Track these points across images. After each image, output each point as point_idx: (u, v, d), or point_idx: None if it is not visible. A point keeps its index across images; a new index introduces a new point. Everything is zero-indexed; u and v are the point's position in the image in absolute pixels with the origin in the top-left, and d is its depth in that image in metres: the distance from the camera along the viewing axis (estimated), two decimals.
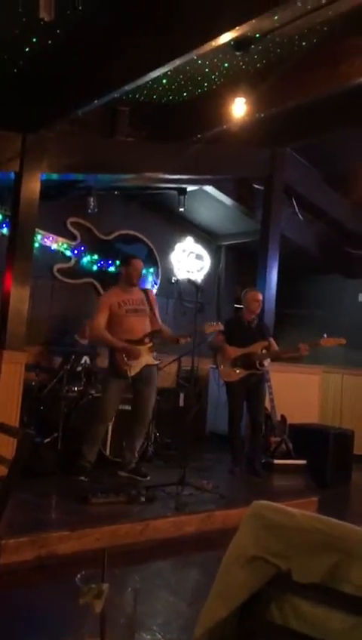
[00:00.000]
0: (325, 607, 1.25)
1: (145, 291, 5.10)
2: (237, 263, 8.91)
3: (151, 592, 3.08)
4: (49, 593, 2.97)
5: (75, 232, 7.16)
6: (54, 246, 6.98)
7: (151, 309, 4.98)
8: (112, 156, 6.01)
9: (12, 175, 5.29)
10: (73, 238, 7.14)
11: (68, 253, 7.10)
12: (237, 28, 3.68)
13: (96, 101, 4.74)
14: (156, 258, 7.85)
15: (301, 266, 8.40)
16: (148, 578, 3.25)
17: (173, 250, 8.09)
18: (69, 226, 7.09)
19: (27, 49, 4.75)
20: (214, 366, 7.84)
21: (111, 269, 7.45)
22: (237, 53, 4.76)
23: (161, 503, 4.21)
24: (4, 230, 6.28)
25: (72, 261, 7.13)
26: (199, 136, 5.85)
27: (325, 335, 5.29)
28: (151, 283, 7.71)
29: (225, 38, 3.81)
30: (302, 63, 4.86)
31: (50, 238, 6.93)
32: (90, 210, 6.79)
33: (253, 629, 1.32)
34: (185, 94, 5.70)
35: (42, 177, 5.35)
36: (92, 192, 6.71)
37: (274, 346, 5.57)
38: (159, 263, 7.91)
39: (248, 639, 1.34)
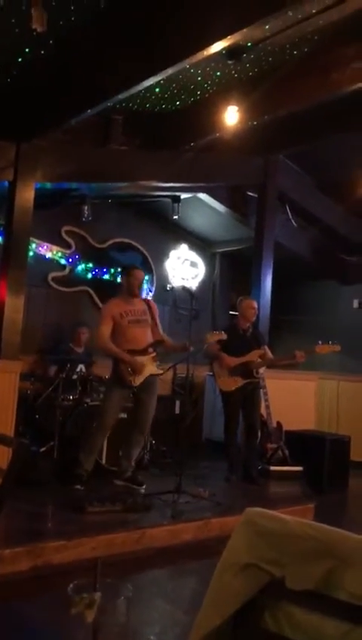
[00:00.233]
0: (319, 615, 1.24)
1: (147, 302, 5.10)
2: (232, 270, 8.93)
3: (148, 600, 3.06)
4: (45, 604, 2.95)
5: (70, 240, 7.16)
6: (49, 254, 6.98)
7: (153, 319, 4.98)
8: (106, 165, 6.03)
9: (6, 184, 5.30)
10: (68, 246, 7.15)
11: (62, 261, 7.10)
12: (228, 37, 3.71)
13: (89, 110, 4.77)
14: (151, 266, 7.86)
15: (295, 273, 8.42)
16: (144, 586, 3.23)
17: (167, 257, 8.11)
18: (63, 234, 7.10)
19: (20, 59, 4.78)
20: (211, 373, 7.87)
21: (106, 277, 7.46)
22: (230, 62, 4.79)
23: (158, 512, 4.19)
24: None
25: (67, 269, 7.13)
26: (192, 144, 5.89)
27: (320, 342, 5.29)
28: (146, 291, 7.71)
29: (217, 47, 3.84)
30: (293, 72, 4.90)
31: (45, 247, 6.93)
32: (84, 219, 6.81)
33: (247, 637, 1.31)
34: (178, 103, 5.73)
35: (36, 186, 5.37)
36: (86, 201, 6.74)
37: (269, 354, 5.57)
38: (154, 271, 7.92)
39: None
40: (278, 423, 5.85)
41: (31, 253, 6.16)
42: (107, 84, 4.53)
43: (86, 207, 6.74)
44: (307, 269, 8.56)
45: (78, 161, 5.85)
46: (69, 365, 5.90)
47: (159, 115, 5.95)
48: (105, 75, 4.50)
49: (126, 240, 7.69)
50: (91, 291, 7.32)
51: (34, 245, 6.64)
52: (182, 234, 8.31)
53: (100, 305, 7.27)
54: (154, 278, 7.93)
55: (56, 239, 7.05)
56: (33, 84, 5.04)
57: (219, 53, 4.28)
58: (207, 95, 5.53)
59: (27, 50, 4.66)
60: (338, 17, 4.33)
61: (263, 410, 5.70)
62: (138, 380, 4.71)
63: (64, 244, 7.12)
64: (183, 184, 6.61)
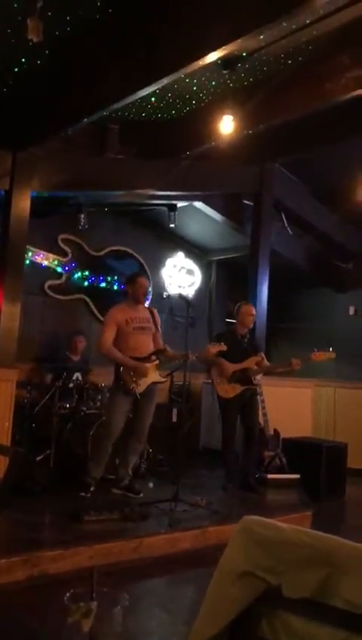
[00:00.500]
0: (315, 622, 1.24)
1: (150, 310, 5.10)
2: (228, 277, 8.95)
3: (146, 609, 3.05)
4: (41, 613, 2.93)
5: (66, 248, 7.18)
6: (45, 263, 6.99)
7: (156, 327, 4.99)
8: (102, 173, 6.06)
9: (2, 193, 5.32)
10: (64, 254, 7.16)
11: (59, 269, 7.11)
12: (223, 47, 3.74)
13: (85, 119, 4.79)
14: (147, 274, 7.88)
15: (291, 280, 8.45)
16: (142, 596, 3.22)
17: (164, 265, 8.13)
18: (59, 242, 7.11)
19: (16, 69, 4.80)
20: (208, 381, 7.86)
21: (103, 285, 7.47)
22: (225, 72, 4.83)
23: (155, 520, 4.17)
24: None
25: (63, 277, 7.14)
26: (188, 153, 5.91)
27: (316, 349, 5.30)
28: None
29: (213, 57, 3.87)
30: (288, 81, 4.93)
31: (41, 255, 6.94)
32: (80, 227, 6.83)
33: None
34: (173, 112, 5.77)
35: (32, 195, 5.38)
36: (82, 209, 6.76)
37: (265, 361, 5.57)
38: (150, 279, 7.93)
39: None
40: (275, 431, 5.85)
41: (27, 262, 6.17)
42: (103, 93, 4.56)
43: (82, 216, 6.76)
44: (303, 277, 8.58)
45: (74, 169, 5.88)
46: (65, 373, 5.90)
47: (155, 124, 5.98)
48: (101, 84, 4.53)
49: (122, 248, 7.71)
50: (88, 299, 7.33)
51: (30, 253, 6.65)
52: (179, 242, 8.33)
53: (97, 313, 7.29)
54: (151, 286, 7.94)
55: (52, 247, 7.06)
56: (29, 93, 5.06)
57: (214, 63, 4.32)
58: (202, 104, 5.57)
59: (23, 60, 4.68)
60: (331, 28, 4.37)
61: (260, 418, 5.70)
62: (141, 388, 4.70)
63: (60, 252, 7.13)
64: (179, 192, 6.63)
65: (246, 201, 7.30)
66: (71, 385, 5.90)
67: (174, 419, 6.85)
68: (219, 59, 4.07)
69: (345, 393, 7.70)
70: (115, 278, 7.63)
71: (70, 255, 7.20)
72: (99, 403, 5.74)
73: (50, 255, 7.03)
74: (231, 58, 4.54)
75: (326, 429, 7.55)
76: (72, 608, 1.29)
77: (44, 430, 5.57)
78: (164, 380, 5.00)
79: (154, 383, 4.84)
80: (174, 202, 7.05)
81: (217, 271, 8.95)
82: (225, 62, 4.59)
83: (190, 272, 8.38)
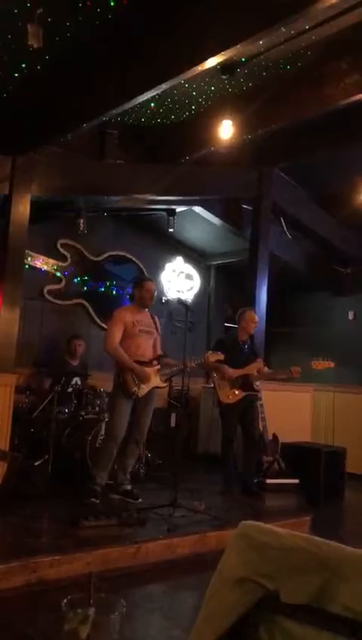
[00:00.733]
0: (314, 629, 1.23)
1: (153, 316, 5.08)
2: (227, 282, 8.96)
3: (145, 616, 3.03)
4: (39, 619, 2.92)
5: (65, 253, 7.18)
6: (44, 267, 6.99)
7: (157, 333, 4.99)
8: (102, 178, 6.07)
9: (1, 196, 5.33)
10: (63, 259, 7.16)
11: (58, 274, 7.11)
12: (222, 53, 3.77)
13: (85, 124, 4.81)
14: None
15: (290, 285, 8.46)
16: (141, 602, 3.20)
17: (163, 270, 8.13)
18: (59, 247, 7.11)
19: (16, 74, 4.82)
20: (208, 385, 7.86)
21: (102, 289, 7.47)
22: (224, 77, 4.85)
23: (153, 526, 4.15)
24: None
25: (63, 282, 7.14)
26: (187, 157, 5.93)
27: (315, 358, 5.31)
28: None
29: (211, 62, 3.89)
30: (287, 86, 4.96)
31: (41, 260, 6.94)
32: (80, 232, 6.83)
33: None
34: (173, 117, 5.79)
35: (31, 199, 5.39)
36: (82, 214, 6.76)
37: (265, 368, 5.56)
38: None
39: None
40: (274, 435, 5.84)
41: (26, 266, 6.17)
42: (102, 99, 4.58)
43: (81, 220, 6.77)
44: (302, 281, 8.59)
45: (73, 174, 5.89)
46: (64, 378, 5.89)
47: (154, 130, 6.00)
48: (101, 90, 4.55)
49: (121, 253, 7.72)
50: (87, 304, 7.33)
51: (30, 258, 6.65)
52: (178, 246, 8.35)
53: (96, 318, 7.29)
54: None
55: (51, 252, 7.06)
56: (29, 98, 5.08)
57: (213, 69, 4.34)
58: (201, 109, 5.59)
59: (23, 65, 4.70)
60: (330, 33, 4.39)
61: (259, 423, 5.69)
62: (142, 392, 4.69)
63: (60, 257, 7.13)
64: (178, 197, 6.65)
65: (245, 206, 7.31)
66: (70, 390, 5.90)
67: (173, 424, 6.84)
68: (218, 64, 4.09)
69: (344, 398, 7.70)
70: (114, 282, 7.63)
71: (69, 260, 7.20)
72: (97, 408, 5.73)
73: (50, 260, 7.03)
74: (230, 63, 4.57)
75: (325, 433, 7.54)
76: (70, 615, 1.28)
77: (43, 435, 5.56)
78: (164, 385, 4.99)
79: (155, 388, 4.83)
80: (173, 207, 7.07)
81: (216, 275, 8.96)
82: (224, 67, 4.61)
83: (189, 276, 8.38)
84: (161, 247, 8.13)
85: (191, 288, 8.41)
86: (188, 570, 3.79)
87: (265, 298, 6.72)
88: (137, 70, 4.29)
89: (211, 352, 5.11)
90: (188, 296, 8.23)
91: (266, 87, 5.02)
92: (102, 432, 5.23)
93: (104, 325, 7.03)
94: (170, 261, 8.22)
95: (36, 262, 6.88)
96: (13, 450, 5.05)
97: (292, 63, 4.84)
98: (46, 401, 5.65)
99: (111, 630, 1.37)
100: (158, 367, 4.82)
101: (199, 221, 7.50)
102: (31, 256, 6.72)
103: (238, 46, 3.70)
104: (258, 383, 5.46)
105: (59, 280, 7.11)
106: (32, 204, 5.40)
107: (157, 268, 8.06)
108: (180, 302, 6.04)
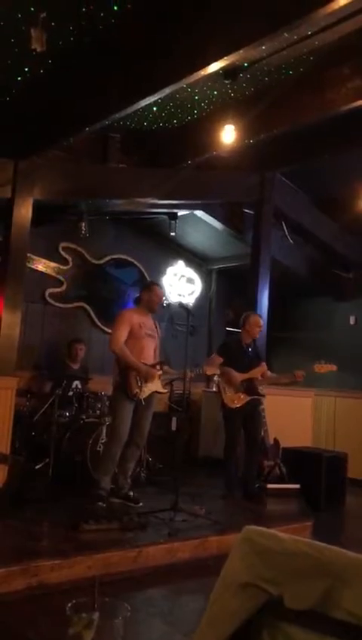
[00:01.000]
0: (317, 634, 1.23)
1: (155, 322, 5.07)
2: (229, 286, 8.96)
3: (145, 621, 3.02)
4: (40, 623, 2.91)
5: (67, 256, 7.19)
6: (46, 271, 7.00)
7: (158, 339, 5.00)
8: (104, 182, 6.09)
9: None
10: (65, 262, 7.17)
11: (60, 277, 7.12)
12: (225, 57, 3.78)
13: (87, 128, 4.82)
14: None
15: (292, 289, 8.46)
16: (141, 607, 3.19)
17: (164, 274, 8.14)
18: (60, 250, 7.12)
19: (19, 78, 4.84)
20: (209, 389, 7.85)
21: (103, 293, 7.47)
22: (226, 82, 4.86)
23: (154, 530, 4.14)
24: None
25: (64, 285, 7.14)
26: (189, 162, 5.94)
27: (318, 362, 5.30)
28: None
29: (214, 67, 3.90)
30: (289, 91, 4.97)
31: (42, 263, 6.95)
32: (81, 235, 6.84)
33: None
34: (175, 121, 5.80)
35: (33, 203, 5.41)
36: (83, 217, 6.77)
37: (269, 372, 5.56)
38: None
39: None
40: (275, 440, 5.83)
41: (28, 270, 6.18)
42: (105, 103, 4.59)
43: (83, 224, 6.78)
44: (303, 286, 8.59)
45: (75, 178, 5.90)
46: (65, 382, 5.89)
47: (156, 133, 6.02)
48: (103, 94, 4.57)
49: (123, 256, 7.73)
50: (88, 307, 7.33)
51: (31, 261, 6.66)
52: (179, 250, 8.35)
53: (97, 321, 7.30)
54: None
55: (53, 255, 7.07)
56: (32, 102, 5.09)
57: (215, 73, 4.35)
58: (203, 114, 5.61)
59: (26, 69, 4.72)
60: (332, 39, 4.41)
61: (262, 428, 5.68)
62: (144, 394, 4.69)
63: (61, 261, 7.14)
64: (180, 201, 6.66)
65: (246, 210, 7.32)
66: (70, 393, 5.89)
67: (174, 428, 6.83)
68: (220, 69, 4.10)
69: (345, 403, 7.69)
70: (116, 286, 7.64)
71: (71, 263, 7.21)
72: (98, 411, 5.73)
73: (51, 263, 7.04)
74: (232, 68, 4.58)
75: (326, 438, 7.53)
76: (74, 619, 1.28)
77: (44, 438, 5.55)
78: (165, 391, 4.98)
79: (156, 393, 4.83)
80: (175, 211, 7.08)
81: (217, 279, 8.96)
82: (226, 72, 4.63)
83: (190, 280, 8.39)
84: (162, 250, 8.14)
85: (193, 292, 8.42)
86: (188, 574, 3.78)
87: (266, 302, 6.72)
88: (140, 74, 4.30)
89: (207, 365, 5.12)
90: (190, 300, 8.24)
91: (268, 92, 5.04)
92: (103, 435, 5.22)
93: (105, 328, 7.04)
94: (171, 265, 8.22)
95: (38, 265, 6.89)
96: (13, 453, 5.04)
97: (294, 68, 4.85)
98: (47, 405, 5.65)
99: (115, 634, 1.36)
100: (161, 372, 4.82)
101: (201, 225, 7.51)
102: (33, 260, 6.72)
103: (241, 51, 3.72)
104: (261, 387, 5.45)
105: (60, 283, 7.11)
106: (34, 207, 5.41)
107: (159, 272, 8.07)
108: (181, 306, 6.02)
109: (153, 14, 4.10)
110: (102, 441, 5.18)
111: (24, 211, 5.31)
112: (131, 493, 4.83)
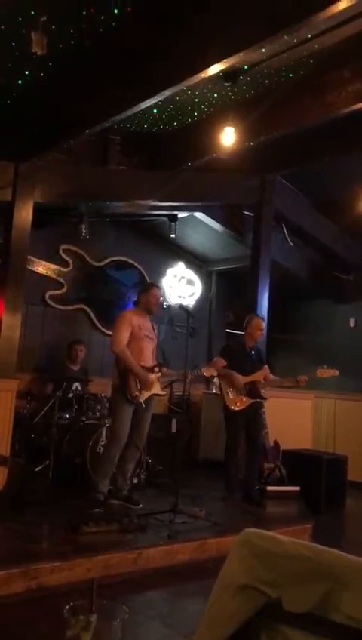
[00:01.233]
0: (316, 637, 1.23)
1: (153, 324, 5.06)
2: (229, 288, 8.97)
3: (144, 623, 3.02)
4: (40, 626, 2.91)
5: (67, 258, 7.19)
6: (46, 273, 7.00)
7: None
8: (104, 184, 6.09)
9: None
10: (65, 264, 7.17)
11: (60, 279, 7.12)
12: (225, 60, 3.79)
13: (87, 131, 4.83)
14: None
15: (292, 292, 8.46)
16: (141, 609, 3.19)
17: (164, 275, 8.14)
18: (61, 252, 7.13)
19: (20, 81, 4.85)
20: (209, 391, 7.85)
21: (103, 295, 7.48)
22: (226, 84, 4.87)
23: (154, 532, 4.14)
24: None
25: (64, 287, 7.15)
26: (190, 164, 5.94)
27: (321, 366, 5.30)
28: None
29: (214, 69, 3.91)
30: (289, 94, 4.97)
31: (43, 265, 6.96)
32: (82, 237, 6.85)
33: None
34: (175, 124, 5.81)
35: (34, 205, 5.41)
36: (84, 219, 6.78)
37: (271, 375, 5.55)
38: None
39: None
40: (275, 442, 5.83)
41: (28, 272, 6.18)
42: (105, 105, 4.60)
43: (84, 226, 6.78)
44: (303, 288, 8.60)
45: (76, 180, 5.91)
46: (65, 384, 5.89)
47: (156, 136, 6.03)
48: (103, 96, 4.57)
49: (123, 258, 7.73)
50: (88, 309, 7.33)
51: (32, 263, 6.66)
52: (179, 252, 8.36)
53: (97, 323, 7.30)
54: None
55: (54, 257, 7.08)
56: (32, 104, 5.10)
57: (216, 76, 4.36)
58: (204, 116, 5.61)
59: (27, 72, 4.73)
60: (332, 42, 4.42)
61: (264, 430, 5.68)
62: (143, 397, 4.68)
63: (62, 263, 7.15)
64: (180, 203, 6.67)
65: (246, 212, 7.33)
66: (70, 395, 5.89)
67: (174, 429, 6.83)
68: (220, 71, 4.10)
69: (345, 405, 7.69)
70: (116, 288, 7.65)
71: (71, 265, 7.21)
72: (98, 413, 5.73)
73: (52, 265, 7.05)
74: (232, 71, 4.59)
75: (327, 441, 7.53)
76: (72, 621, 1.28)
77: (44, 441, 5.55)
78: (164, 393, 4.98)
79: (155, 395, 4.83)
80: (175, 213, 7.09)
81: (217, 281, 8.97)
82: (226, 74, 4.63)
83: (190, 282, 8.40)
84: (162, 252, 8.15)
85: (193, 294, 8.42)
86: (188, 576, 3.78)
87: (266, 305, 6.72)
88: (140, 77, 4.31)
89: (208, 367, 5.12)
90: (190, 301, 8.24)
91: (268, 95, 5.04)
92: (103, 437, 5.22)
93: (105, 331, 7.04)
94: (171, 267, 8.23)
95: (38, 267, 6.89)
96: (13, 455, 5.05)
97: (294, 71, 4.86)
98: (47, 407, 5.65)
99: (113, 636, 1.36)
100: (160, 374, 4.82)
101: (201, 227, 7.51)
102: (33, 262, 6.73)
103: (241, 54, 3.72)
104: (263, 390, 5.45)
105: (60, 285, 7.12)
106: (35, 209, 5.41)
107: (159, 273, 8.07)
108: (181, 307, 6.03)
109: (153, 17, 4.11)
110: (102, 443, 5.18)
111: (24, 214, 5.32)
112: (128, 493, 4.82)
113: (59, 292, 7.09)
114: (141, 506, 4.73)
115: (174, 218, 7.15)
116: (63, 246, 7.14)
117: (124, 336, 4.67)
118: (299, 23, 3.45)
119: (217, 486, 5.62)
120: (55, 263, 7.08)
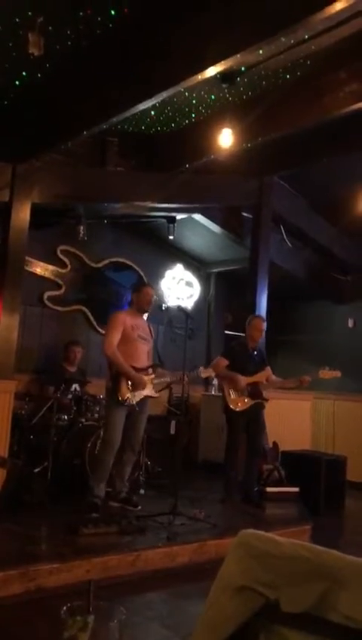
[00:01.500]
0: (314, 638, 1.23)
1: (149, 325, 5.05)
2: (227, 289, 8.97)
3: (143, 624, 3.02)
4: (38, 627, 2.90)
5: (65, 259, 7.19)
6: (44, 274, 6.99)
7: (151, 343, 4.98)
8: (102, 185, 6.09)
9: None
10: (63, 265, 7.17)
11: (58, 280, 7.12)
12: (223, 62, 3.79)
13: (85, 132, 4.82)
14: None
15: (290, 293, 8.47)
16: (140, 610, 3.19)
17: (163, 277, 8.14)
18: (59, 253, 7.12)
19: (17, 82, 4.85)
20: (208, 393, 7.85)
21: (101, 296, 7.48)
22: (224, 86, 4.87)
23: (153, 534, 4.13)
24: None
25: (62, 289, 7.14)
26: (187, 165, 5.95)
27: (324, 367, 5.31)
28: None
29: (212, 71, 3.91)
30: (286, 95, 4.98)
31: (41, 266, 6.95)
32: (80, 238, 6.84)
33: None
34: (173, 125, 5.81)
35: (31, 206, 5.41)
36: (82, 221, 6.77)
37: (273, 376, 5.55)
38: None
39: None
40: (274, 443, 5.83)
41: (26, 273, 6.17)
42: (103, 107, 4.60)
43: (82, 227, 6.78)
44: (302, 289, 8.60)
45: (73, 181, 5.91)
46: (63, 385, 5.88)
47: (154, 137, 6.03)
48: (101, 98, 4.57)
49: (121, 259, 7.73)
50: (86, 311, 7.33)
51: (29, 264, 6.66)
52: (178, 254, 8.36)
53: (95, 324, 7.29)
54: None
55: (51, 258, 7.07)
56: (30, 106, 5.10)
57: (213, 77, 4.36)
58: (201, 118, 5.61)
59: (24, 73, 4.73)
60: (329, 43, 4.42)
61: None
62: (135, 399, 4.67)
63: (60, 264, 7.14)
64: (178, 205, 6.67)
65: (245, 214, 7.33)
66: (69, 396, 5.89)
67: (173, 431, 6.82)
68: (218, 73, 4.10)
69: (344, 406, 7.69)
70: (114, 289, 7.64)
71: (69, 266, 7.21)
72: (97, 415, 5.73)
73: (50, 266, 7.04)
74: (230, 72, 4.59)
75: (326, 441, 7.53)
76: (69, 622, 1.27)
77: (42, 442, 5.54)
78: (157, 395, 4.95)
79: (148, 397, 4.80)
80: (173, 214, 7.08)
81: (216, 283, 8.97)
82: (224, 76, 4.63)
83: (189, 283, 8.39)
84: (161, 254, 8.15)
85: (191, 296, 8.42)
86: (187, 578, 3.78)
87: (265, 306, 6.72)
88: (137, 78, 4.31)
89: (211, 368, 5.11)
90: (188, 303, 8.23)
91: (266, 96, 5.05)
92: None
93: (103, 332, 7.03)
94: (170, 268, 8.23)
95: (36, 268, 6.89)
96: (12, 456, 5.04)
97: (291, 72, 4.86)
98: (45, 408, 5.64)
99: (111, 637, 1.36)
100: (153, 376, 4.80)
101: (199, 229, 7.51)
102: (31, 263, 6.72)
103: (238, 55, 3.72)
104: (265, 391, 5.44)
105: (59, 286, 7.11)
106: (33, 210, 5.41)
107: (157, 275, 8.07)
108: (180, 309, 6.03)
109: (150, 18, 4.11)
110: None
111: (22, 215, 5.32)
112: (126, 494, 4.81)
113: (57, 293, 7.09)
114: (140, 507, 4.72)
115: (172, 220, 7.15)
116: (61, 247, 7.14)
117: (115, 337, 4.65)
118: (296, 23, 3.46)
119: (216, 488, 5.62)
120: (53, 264, 7.07)
